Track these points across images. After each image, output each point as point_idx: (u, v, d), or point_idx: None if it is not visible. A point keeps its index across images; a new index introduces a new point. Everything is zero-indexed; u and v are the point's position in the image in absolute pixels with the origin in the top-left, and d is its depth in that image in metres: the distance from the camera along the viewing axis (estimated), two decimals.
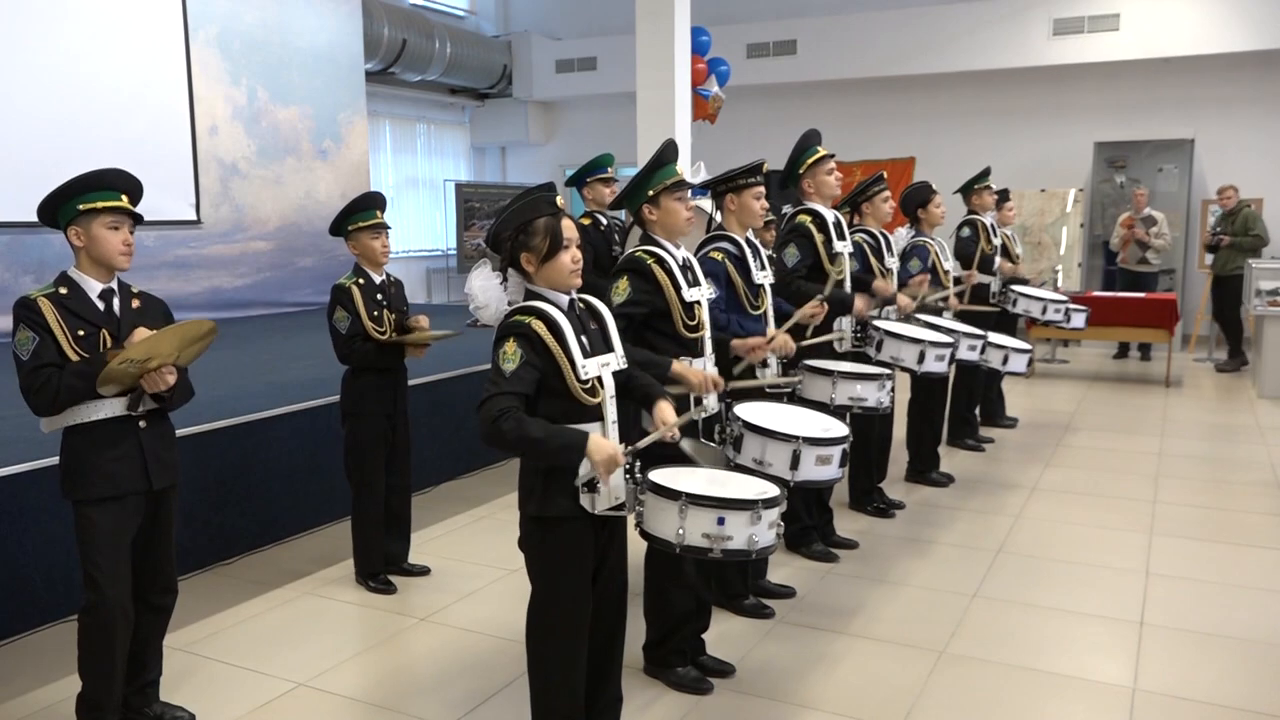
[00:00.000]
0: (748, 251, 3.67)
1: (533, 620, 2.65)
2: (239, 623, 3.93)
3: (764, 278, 3.73)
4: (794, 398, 3.87)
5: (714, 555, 2.52)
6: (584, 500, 2.51)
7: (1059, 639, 3.68)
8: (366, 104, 10.98)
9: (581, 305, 2.63)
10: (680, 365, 3.10)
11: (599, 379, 2.53)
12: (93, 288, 2.85)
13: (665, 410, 2.65)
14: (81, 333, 2.79)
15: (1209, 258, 9.80)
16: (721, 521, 2.50)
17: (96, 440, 2.83)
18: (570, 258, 2.52)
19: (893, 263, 5.09)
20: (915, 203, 5.87)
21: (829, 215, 4.43)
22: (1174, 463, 6.13)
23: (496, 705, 3.24)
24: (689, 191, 3.33)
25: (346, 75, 10.60)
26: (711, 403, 3.22)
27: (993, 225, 6.65)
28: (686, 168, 8.36)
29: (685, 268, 3.28)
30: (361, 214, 4.14)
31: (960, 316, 5.85)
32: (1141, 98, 11.07)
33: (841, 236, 4.47)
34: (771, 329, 3.69)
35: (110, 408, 2.83)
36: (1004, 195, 6.91)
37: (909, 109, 12.13)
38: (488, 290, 2.57)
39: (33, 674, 3.44)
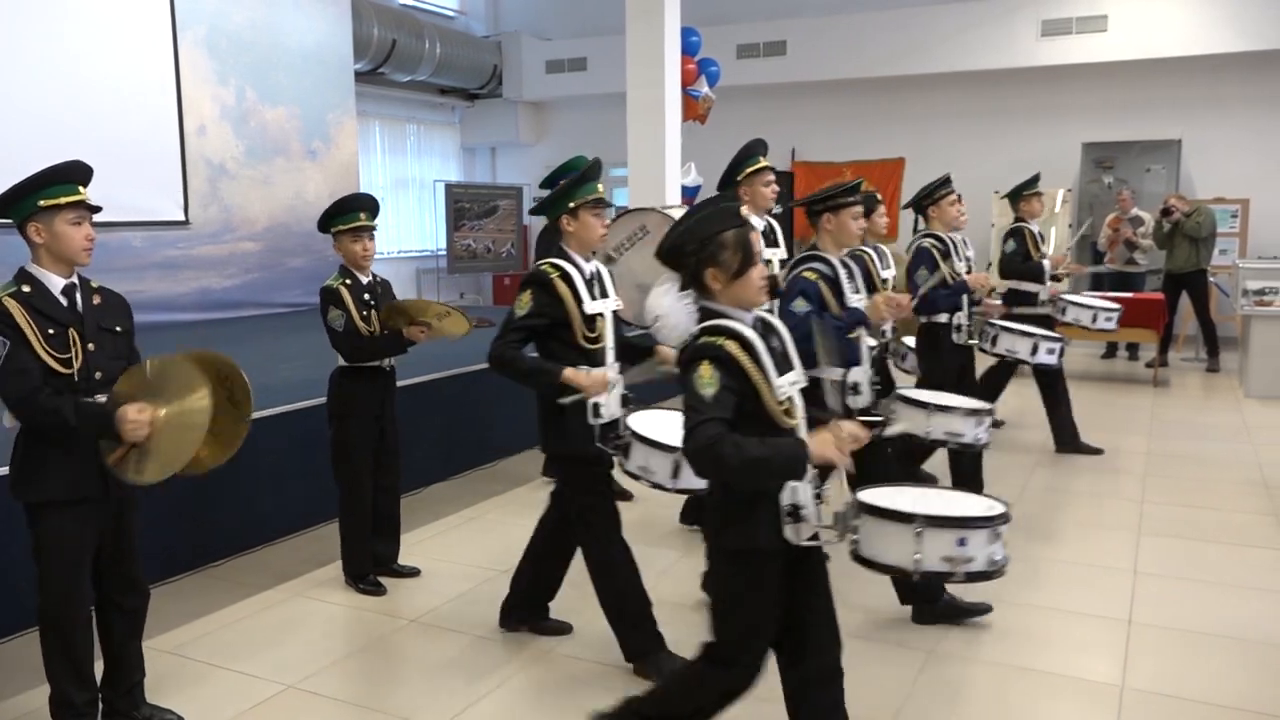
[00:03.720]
0: (842, 272, 3.68)
1: (713, 656, 2.44)
2: (228, 624, 3.91)
3: (858, 300, 3.71)
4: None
5: (957, 579, 2.42)
6: (788, 531, 2.33)
7: (1048, 638, 3.69)
8: (356, 104, 10.95)
9: (761, 322, 2.43)
10: (571, 372, 3.22)
11: (791, 399, 2.37)
12: (55, 284, 2.80)
13: (849, 425, 2.48)
14: (51, 331, 2.74)
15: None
16: (963, 543, 2.37)
17: (57, 441, 2.76)
18: (759, 273, 2.36)
19: (962, 267, 5.06)
20: (924, 202, 5.61)
21: (759, 223, 4.50)
22: (1162, 462, 6.16)
23: (487, 707, 3.24)
24: (608, 210, 3.44)
25: (335, 75, 10.57)
26: (609, 409, 3.31)
27: (1040, 232, 6.53)
28: (677, 169, 8.37)
29: (593, 280, 3.39)
30: (343, 216, 4.10)
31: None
32: (1129, 98, 11.12)
33: (773, 244, 4.56)
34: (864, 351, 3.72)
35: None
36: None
37: (898, 110, 12.16)
38: (678, 310, 2.37)
39: (21, 679, 3.41)
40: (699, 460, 2.22)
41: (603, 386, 3.26)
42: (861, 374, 3.70)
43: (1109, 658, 3.53)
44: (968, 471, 4.96)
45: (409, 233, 13.50)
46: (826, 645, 2.48)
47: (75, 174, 2.84)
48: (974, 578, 2.41)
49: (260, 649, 3.69)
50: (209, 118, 9.23)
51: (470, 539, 4.93)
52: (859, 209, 3.70)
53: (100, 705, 3.02)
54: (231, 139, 9.44)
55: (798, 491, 2.32)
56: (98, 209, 2.87)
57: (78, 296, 2.84)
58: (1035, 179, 6.67)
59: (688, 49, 9.15)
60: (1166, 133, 10.88)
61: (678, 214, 5.71)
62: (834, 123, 12.49)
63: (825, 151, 12.39)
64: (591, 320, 3.33)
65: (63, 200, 2.76)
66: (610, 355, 3.39)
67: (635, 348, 3.53)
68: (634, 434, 3.23)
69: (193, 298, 9.00)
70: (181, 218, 8.96)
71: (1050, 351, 5.16)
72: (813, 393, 2.63)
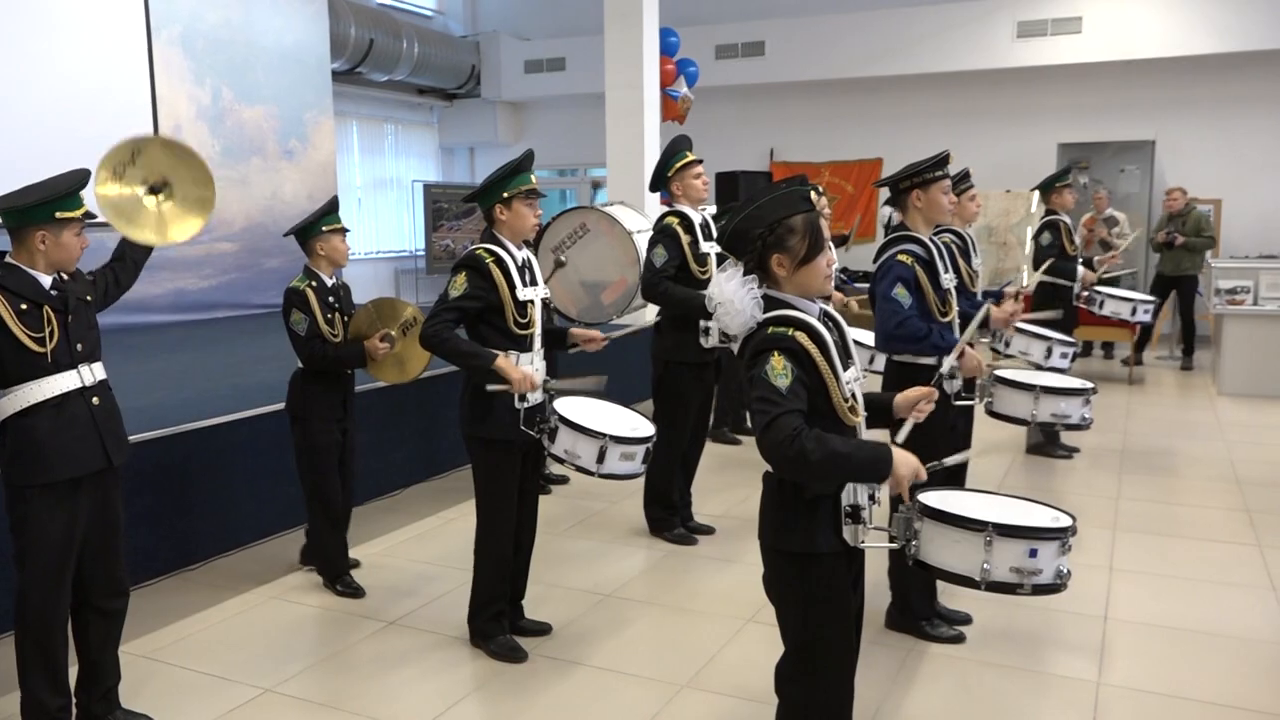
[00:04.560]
0: (935, 253, 3.52)
1: (793, 671, 2.38)
2: (203, 628, 3.88)
3: (950, 281, 3.56)
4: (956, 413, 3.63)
5: (1023, 592, 2.28)
6: (846, 533, 2.26)
7: (1025, 634, 3.72)
8: (333, 104, 10.90)
9: (823, 314, 2.32)
10: (503, 361, 3.33)
11: (854, 394, 2.29)
12: (44, 281, 2.83)
13: (903, 398, 2.47)
14: (24, 307, 2.75)
15: (1152, 256, 9.90)
16: (1034, 554, 2.26)
17: (52, 419, 2.77)
18: (827, 260, 2.27)
19: (978, 264, 5.06)
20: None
21: (696, 217, 4.67)
22: (1136, 459, 6.22)
23: (465, 709, 3.23)
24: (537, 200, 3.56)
25: (313, 75, 10.51)
26: (535, 396, 3.44)
27: (1071, 224, 6.51)
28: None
29: (524, 268, 3.50)
30: (330, 217, 4.21)
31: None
32: (1104, 100, 11.23)
33: (709, 237, 4.68)
34: (958, 334, 3.51)
35: (65, 382, 2.80)
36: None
37: (876, 110, 12.22)
38: (742, 296, 2.22)
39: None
40: (778, 454, 2.09)
41: (530, 388, 3.36)
42: (951, 361, 3.44)
43: (1085, 653, 3.56)
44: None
45: (387, 233, 13.43)
46: (857, 644, 2.44)
47: (79, 185, 2.86)
48: (1039, 590, 2.30)
49: (237, 652, 3.66)
50: (184, 117, 9.15)
51: (449, 541, 4.91)
52: (948, 183, 3.53)
53: (74, 710, 2.99)
54: (207, 138, 9.36)
55: (857, 491, 2.26)
56: (94, 218, 2.91)
57: (60, 274, 2.88)
58: (1067, 171, 6.66)
59: (666, 49, 9.17)
60: (1140, 134, 10.99)
61: (618, 211, 5.72)
62: (812, 123, 12.53)
63: (803, 152, 12.44)
64: (523, 306, 3.44)
65: (77, 214, 2.82)
66: (538, 341, 3.52)
67: (552, 333, 3.75)
68: (561, 419, 3.35)
69: (168, 299, 8.92)
70: None
71: (1064, 355, 5.14)
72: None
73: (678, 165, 4.66)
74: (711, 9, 12.35)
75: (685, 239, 4.57)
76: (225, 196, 9.50)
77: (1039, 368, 5.37)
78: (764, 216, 2.24)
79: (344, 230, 4.26)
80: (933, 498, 2.39)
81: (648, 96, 8.08)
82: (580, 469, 3.36)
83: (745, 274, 2.26)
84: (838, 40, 11.69)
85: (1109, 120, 11.17)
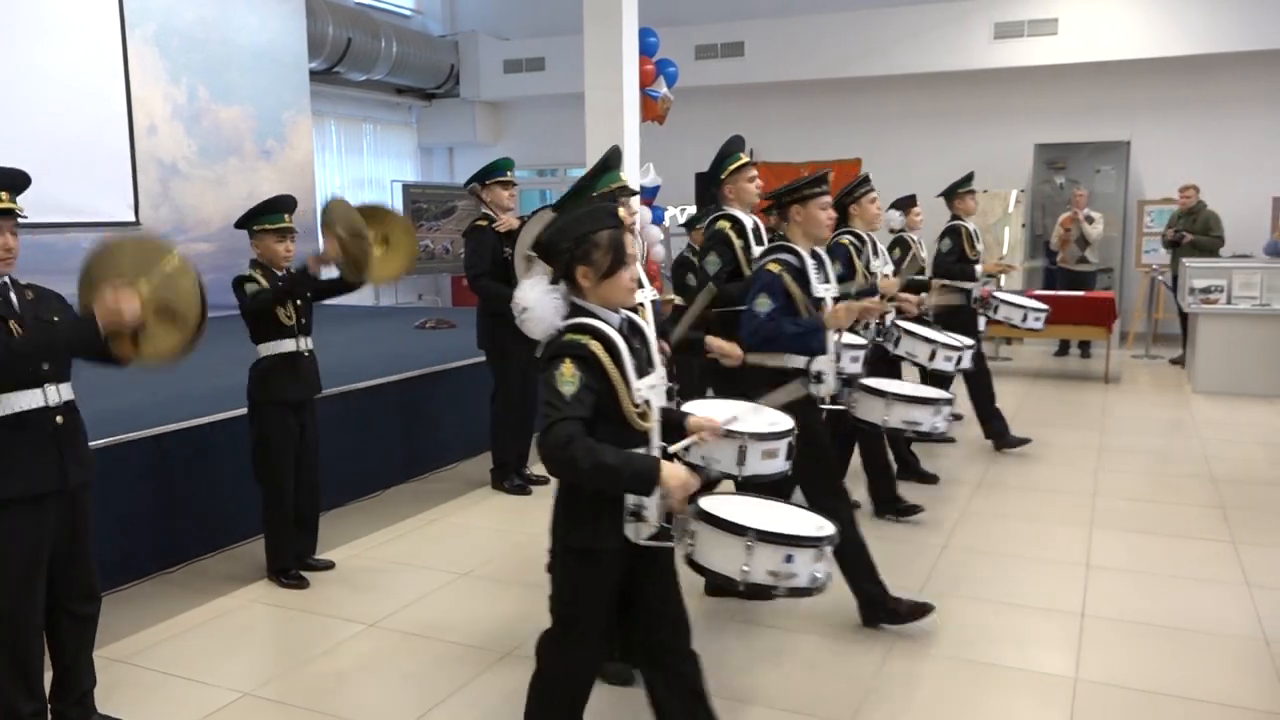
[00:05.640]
0: (810, 264, 3.66)
1: (549, 646, 2.54)
2: (182, 632, 3.84)
3: (825, 290, 3.69)
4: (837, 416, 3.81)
5: (778, 594, 2.45)
6: (629, 530, 2.40)
7: (1003, 632, 3.75)
8: (311, 104, 10.83)
9: (627, 323, 2.47)
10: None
11: (648, 401, 2.41)
12: (11, 294, 2.75)
13: (698, 419, 2.59)
14: None
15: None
16: (790, 559, 2.42)
17: (11, 435, 2.71)
18: (630, 275, 2.40)
19: (878, 265, 5.12)
20: (846, 200, 5.50)
21: (748, 221, 4.46)
22: (1113, 457, 6.28)
23: (446, 711, 3.22)
24: (635, 199, 3.39)
25: (290, 74, 10.44)
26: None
27: (976, 230, 6.59)
28: (636, 169, 8.37)
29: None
30: (270, 216, 4.24)
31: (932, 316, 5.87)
32: (1080, 101, 11.33)
33: (760, 241, 4.50)
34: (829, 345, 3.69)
35: (27, 400, 2.73)
36: (909, 200, 6.72)
37: (854, 110, 12.27)
38: (544, 303, 2.37)
39: None
40: (551, 459, 2.26)
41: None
42: (825, 363, 3.68)
43: (1063, 650, 3.59)
44: (899, 454, 5.08)
45: None
46: (672, 633, 2.54)
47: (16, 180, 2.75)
48: (795, 593, 2.47)
49: (215, 656, 3.63)
50: (160, 117, 9.08)
51: (429, 542, 4.89)
52: (827, 199, 3.68)
53: (49, 716, 2.96)
54: (183, 138, 9.29)
55: None
56: (12, 214, 2.73)
57: (11, 295, 2.78)
58: (970, 177, 6.72)
59: (646, 50, 9.15)
60: (1116, 134, 11.10)
61: None
62: (791, 123, 12.57)
63: (783, 152, 12.47)
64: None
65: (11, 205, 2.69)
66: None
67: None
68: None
69: None
70: (132, 218, 8.80)
71: (948, 359, 5.04)
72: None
73: (731, 168, 4.45)
74: (691, 10, 12.37)
75: (738, 244, 4.35)
76: (202, 197, 9.49)
77: (923, 370, 5.27)
78: (572, 230, 2.38)
79: (284, 230, 4.21)
80: (711, 503, 2.51)
81: (627, 97, 8.06)
82: (723, 474, 3.11)
83: (552, 282, 2.40)
84: (816, 41, 11.74)
85: (1085, 121, 11.28)
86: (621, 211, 2.45)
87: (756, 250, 4.42)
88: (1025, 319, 6.60)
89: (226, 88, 9.69)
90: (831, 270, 3.80)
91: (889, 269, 5.48)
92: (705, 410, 3.30)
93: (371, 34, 11.91)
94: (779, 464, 3.20)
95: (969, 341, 5.46)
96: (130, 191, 8.78)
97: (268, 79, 10.13)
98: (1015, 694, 3.29)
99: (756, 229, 4.50)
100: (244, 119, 9.92)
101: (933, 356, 4.99)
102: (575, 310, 2.40)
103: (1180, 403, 8.03)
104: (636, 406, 2.36)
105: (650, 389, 2.43)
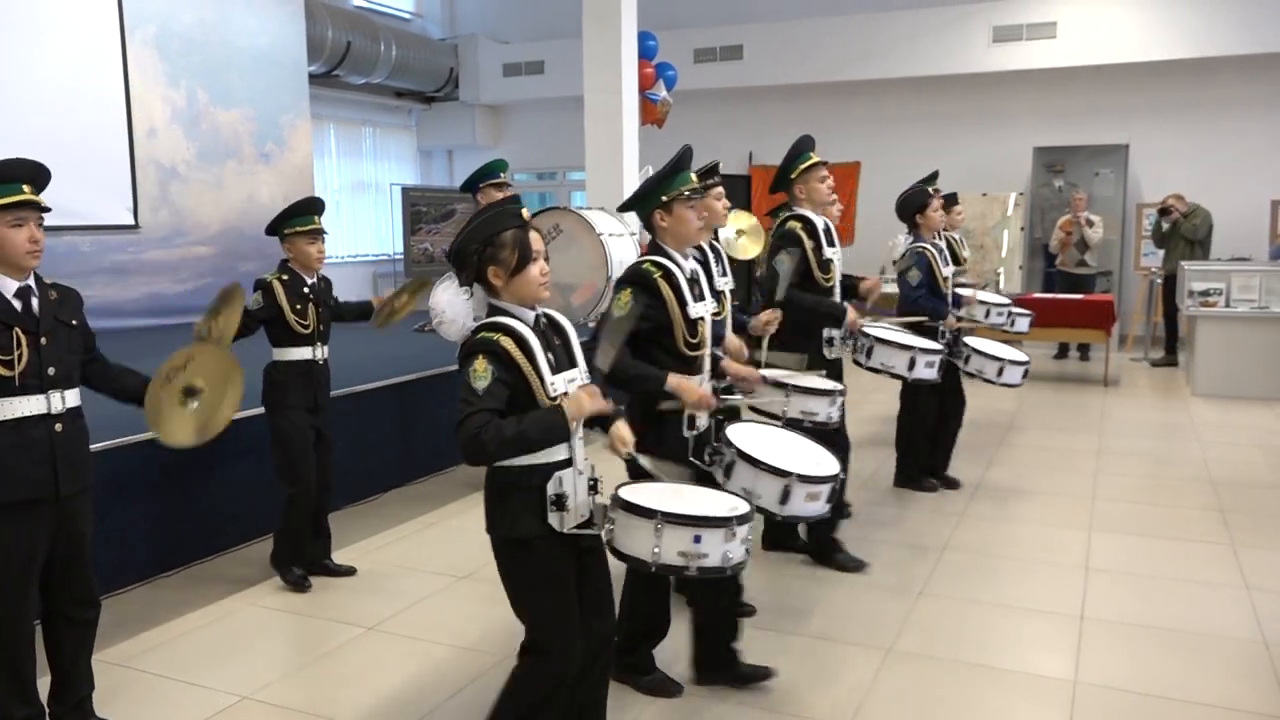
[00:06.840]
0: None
1: (527, 645, 2.57)
2: (181, 635, 3.84)
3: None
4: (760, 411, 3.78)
5: (690, 573, 2.49)
6: (552, 519, 2.47)
7: (1003, 634, 3.75)
8: (310, 107, 10.82)
9: (545, 320, 2.57)
10: (676, 379, 3.05)
11: (565, 394, 2.47)
12: (8, 287, 2.74)
13: (623, 429, 2.62)
14: None
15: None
16: (698, 539, 2.46)
17: (9, 440, 2.70)
18: (539, 270, 2.48)
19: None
20: (913, 208, 5.50)
21: (819, 221, 4.36)
22: (1112, 460, 6.28)
23: (445, 714, 3.21)
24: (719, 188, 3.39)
25: (289, 77, 10.44)
26: (702, 421, 3.21)
27: (951, 242, 6.22)
28: (634, 173, 8.38)
29: (694, 281, 3.19)
30: (301, 218, 4.19)
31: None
32: (1078, 104, 11.33)
33: (832, 243, 4.41)
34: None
35: (29, 406, 2.72)
36: (952, 199, 6.61)
37: (854, 114, 12.28)
38: (455, 305, 2.49)
39: None
40: (467, 450, 2.34)
41: (706, 406, 3.11)
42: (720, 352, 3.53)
43: (1062, 653, 3.59)
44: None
45: (365, 236, 13.36)
46: (598, 618, 2.62)
47: (19, 172, 2.75)
48: (706, 573, 2.50)
49: (214, 659, 3.63)
50: (159, 120, 9.07)
51: (428, 545, 4.89)
52: (720, 189, 3.60)
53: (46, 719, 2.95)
54: (182, 141, 9.29)
55: (562, 481, 2.47)
56: (45, 209, 2.79)
57: (33, 300, 2.78)
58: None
59: (645, 53, 9.17)
60: (1114, 138, 11.11)
61: (591, 215, 5.72)
62: (791, 127, 12.42)
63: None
64: (694, 325, 3.15)
65: (1, 201, 2.68)
66: (707, 362, 3.25)
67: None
68: (739, 453, 3.01)
69: (143, 303, 8.83)
70: (131, 221, 8.79)
71: (930, 365, 4.66)
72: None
73: (802, 167, 4.35)
74: (690, 13, 12.38)
75: (809, 244, 4.29)
76: (201, 200, 9.49)
77: (904, 380, 4.88)
78: (478, 233, 2.47)
79: (316, 232, 4.21)
80: (630, 489, 2.58)
81: (626, 100, 8.08)
82: (761, 510, 2.94)
83: (461, 284, 2.51)
84: (815, 44, 11.75)
85: (1083, 124, 11.29)
86: (525, 212, 2.50)
87: (829, 251, 4.38)
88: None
89: (225, 91, 9.69)
90: (704, 281, 3.37)
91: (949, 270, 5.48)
92: (749, 434, 3.24)
93: (371, 37, 11.91)
94: (819, 507, 3.07)
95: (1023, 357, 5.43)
96: (129, 194, 8.78)
97: (267, 82, 10.13)
98: (1014, 696, 3.29)
99: (828, 229, 4.43)
100: (243, 122, 9.91)
101: (912, 365, 4.63)
102: (492, 311, 2.50)
103: (1179, 406, 8.03)
104: (552, 399, 2.43)
105: (569, 382, 2.50)
